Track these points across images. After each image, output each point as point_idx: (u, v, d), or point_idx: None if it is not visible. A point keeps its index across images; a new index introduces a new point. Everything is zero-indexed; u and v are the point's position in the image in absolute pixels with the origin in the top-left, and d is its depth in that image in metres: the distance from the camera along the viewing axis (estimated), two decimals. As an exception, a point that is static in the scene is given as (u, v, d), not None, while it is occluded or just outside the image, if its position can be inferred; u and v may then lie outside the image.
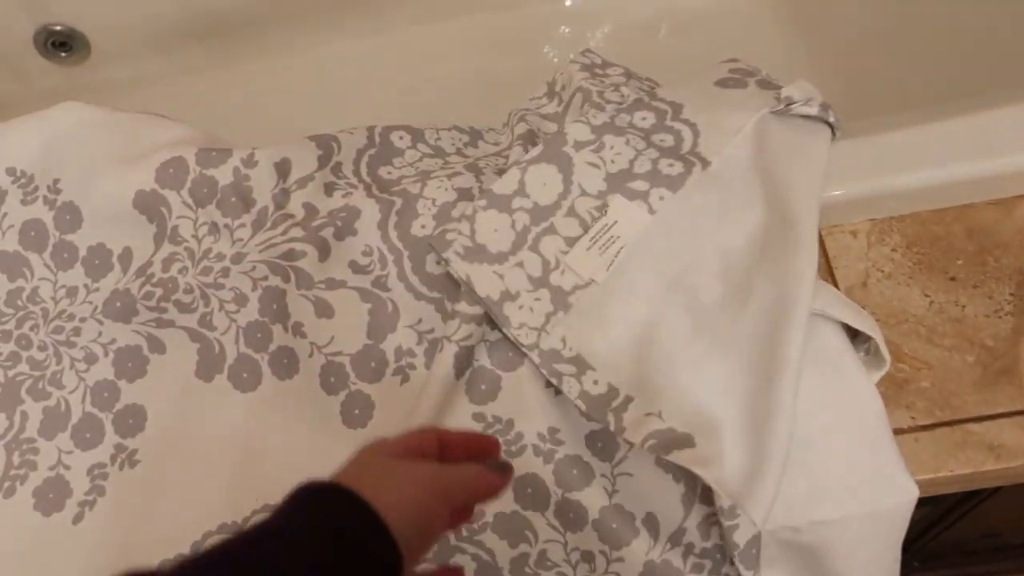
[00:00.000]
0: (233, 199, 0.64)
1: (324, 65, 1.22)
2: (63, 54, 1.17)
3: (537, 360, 0.58)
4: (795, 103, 0.64)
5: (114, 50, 1.19)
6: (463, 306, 0.59)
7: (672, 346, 0.58)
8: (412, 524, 0.36)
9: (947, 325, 0.62)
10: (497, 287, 0.59)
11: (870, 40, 1.01)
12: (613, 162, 0.63)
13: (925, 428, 0.59)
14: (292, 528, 0.34)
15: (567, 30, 1.22)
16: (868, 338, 0.59)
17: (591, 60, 0.78)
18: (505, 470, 0.43)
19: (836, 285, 0.64)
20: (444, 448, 0.43)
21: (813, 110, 0.64)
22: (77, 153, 0.67)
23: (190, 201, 0.64)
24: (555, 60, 1.21)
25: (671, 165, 0.62)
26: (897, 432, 0.59)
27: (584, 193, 0.62)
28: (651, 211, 0.61)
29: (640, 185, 0.62)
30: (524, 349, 0.59)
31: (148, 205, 0.64)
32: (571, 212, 0.62)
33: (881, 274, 0.64)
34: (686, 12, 1.18)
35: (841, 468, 0.56)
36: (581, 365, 0.58)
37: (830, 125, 0.65)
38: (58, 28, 1.14)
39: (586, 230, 0.61)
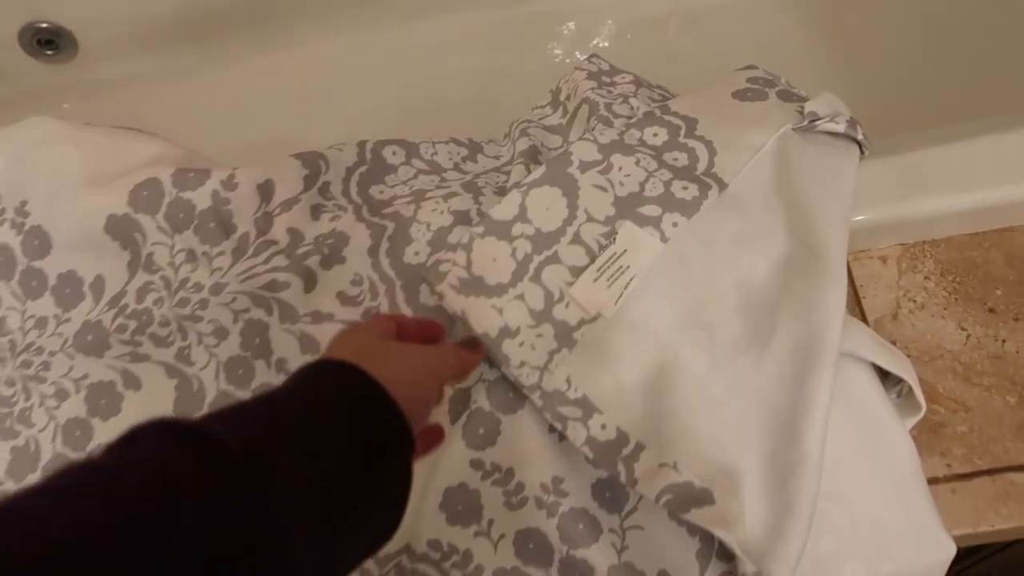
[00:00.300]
0: (212, 225, 0.59)
1: (321, 61, 1.17)
2: (49, 52, 1.13)
3: (539, 402, 0.54)
4: (820, 119, 0.59)
5: (102, 48, 1.15)
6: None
7: (687, 388, 0.53)
8: (413, 399, 0.38)
9: (986, 362, 0.57)
10: (495, 323, 0.55)
11: (896, 40, 0.95)
12: (622, 184, 0.58)
13: (963, 477, 0.54)
14: (315, 398, 0.35)
15: (573, 25, 1.17)
16: (900, 379, 0.54)
17: (598, 66, 0.73)
18: (477, 347, 0.50)
19: (864, 316, 0.59)
20: (401, 331, 0.46)
21: (840, 127, 0.59)
22: (46, 173, 0.62)
23: (166, 226, 0.59)
24: (561, 54, 1.16)
25: (685, 188, 0.57)
26: (932, 482, 0.54)
27: (591, 219, 0.57)
28: (663, 239, 0.56)
29: (651, 210, 0.57)
30: (525, 390, 0.54)
31: (121, 230, 0.60)
32: (576, 239, 0.57)
33: (913, 304, 0.59)
34: (696, 6, 1.13)
35: (871, 524, 0.52)
36: (587, 408, 0.54)
37: (858, 143, 0.60)
38: (44, 25, 1.10)
39: (593, 259, 0.56)
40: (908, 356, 0.57)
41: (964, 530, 0.53)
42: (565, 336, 0.55)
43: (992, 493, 0.54)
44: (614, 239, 0.56)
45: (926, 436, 0.55)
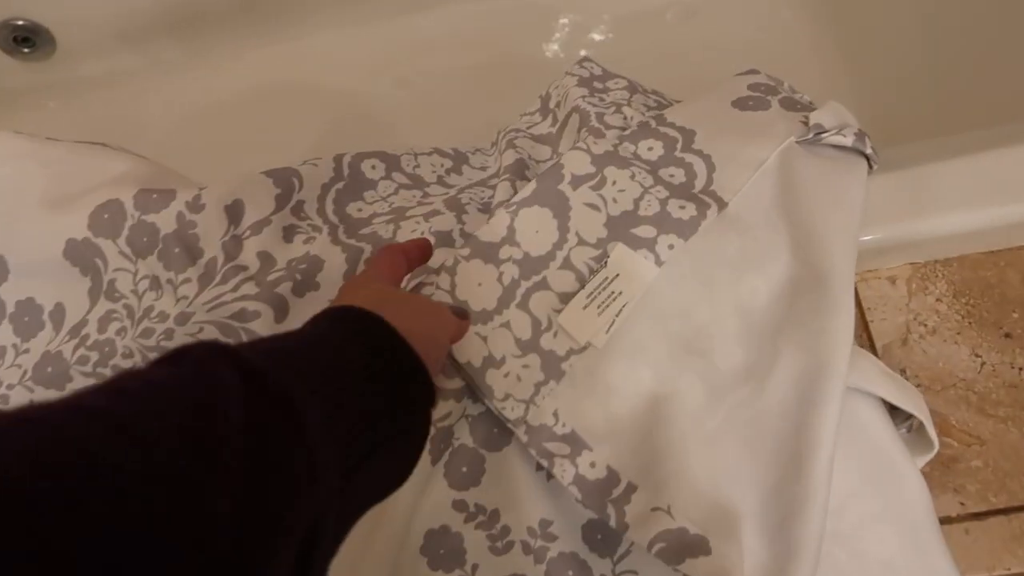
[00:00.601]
0: (176, 249, 0.55)
1: (310, 57, 1.13)
2: (26, 50, 1.10)
3: (525, 438, 0.50)
4: (826, 132, 0.56)
5: (81, 45, 1.12)
6: (440, 379, 0.51)
7: (683, 422, 0.50)
8: (428, 352, 0.39)
9: (1002, 391, 0.53)
10: (479, 352, 0.51)
11: (900, 35, 0.91)
12: (615, 201, 0.54)
13: (977, 517, 0.51)
14: (340, 344, 0.36)
15: (569, 18, 1.13)
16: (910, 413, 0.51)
17: (590, 71, 0.69)
18: (466, 315, 0.51)
19: (871, 341, 0.56)
20: (409, 260, 0.48)
21: (847, 140, 0.55)
22: (2, 194, 0.59)
23: (128, 251, 0.56)
24: (556, 48, 1.13)
25: (682, 207, 0.54)
26: (945, 521, 0.51)
27: (582, 242, 0.54)
28: (658, 262, 0.53)
29: (646, 231, 0.53)
30: (509, 425, 0.51)
31: (81, 255, 0.56)
32: (567, 264, 0.53)
33: (924, 329, 0.55)
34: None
35: (880, 567, 0.49)
36: (576, 444, 0.50)
37: (866, 157, 0.56)
38: (21, 23, 1.07)
39: (583, 284, 0.53)
40: (918, 385, 0.53)
41: (978, 574, 0.50)
42: (553, 367, 0.52)
43: (1008, 533, 0.50)
44: (605, 263, 0.53)
45: (938, 472, 0.52)
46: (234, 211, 0.56)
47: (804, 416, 0.49)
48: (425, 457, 0.51)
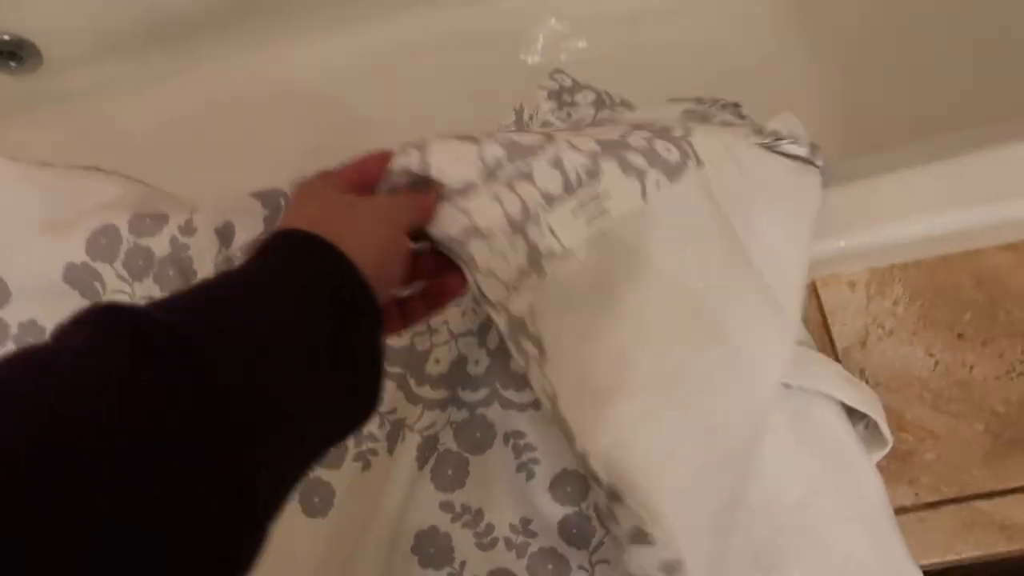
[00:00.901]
0: (171, 272, 0.58)
1: (298, 62, 1.14)
2: (12, 64, 1.11)
3: (504, 327, 0.48)
4: (782, 139, 0.58)
5: (67, 57, 1.13)
6: (427, 390, 0.54)
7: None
8: (377, 259, 0.38)
9: (954, 389, 0.57)
10: (459, 223, 0.47)
11: (874, 45, 0.93)
12: (601, 136, 0.51)
13: (930, 506, 0.54)
14: (276, 276, 0.35)
15: (551, 23, 1.15)
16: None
17: (560, 84, 0.71)
18: (429, 188, 0.47)
19: (832, 344, 0.59)
20: (366, 174, 0.46)
21: (803, 150, 0.58)
22: (1, 218, 0.61)
23: (125, 274, 0.59)
24: (539, 51, 1.14)
25: (668, 149, 0.51)
26: (900, 511, 0.54)
27: (573, 147, 0.49)
28: (644, 194, 0.49)
29: (637, 160, 0.50)
30: (489, 308, 0.47)
31: (79, 279, 0.59)
32: (556, 163, 0.48)
33: (882, 331, 0.59)
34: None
35: (844, 559, 0.52)
36: (542, 350, 0.47)
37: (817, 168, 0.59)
38: (5, 38, 1.08)
39: (569, 191, 0.48)
40: (877, 384, 0.57)
41: (932, 559, 0.54)
42: (535, 260, 0.47)
43: (959, 522, 0.54)
44: (599, 177, 0.49)
45: (895, 465, 0.55)
46: (225, 233, 0.59)
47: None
48: (412, 462, 0.54)
